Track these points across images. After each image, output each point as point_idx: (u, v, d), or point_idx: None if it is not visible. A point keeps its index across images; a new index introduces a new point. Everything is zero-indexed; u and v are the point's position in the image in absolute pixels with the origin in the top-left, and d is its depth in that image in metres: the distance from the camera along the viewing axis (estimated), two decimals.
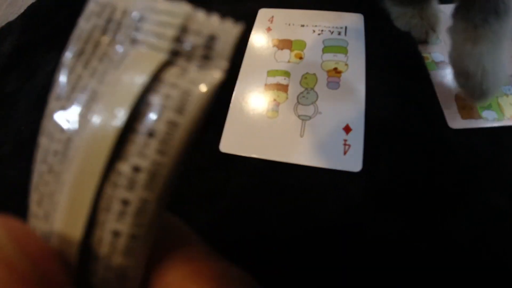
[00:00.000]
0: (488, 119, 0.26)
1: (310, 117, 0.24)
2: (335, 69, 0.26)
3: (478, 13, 0.23)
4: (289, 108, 0.25)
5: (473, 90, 0.24)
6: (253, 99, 0.26)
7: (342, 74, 0.26)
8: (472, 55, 0.23)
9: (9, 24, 0.52)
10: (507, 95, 0.28)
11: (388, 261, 0.21)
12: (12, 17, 0.59)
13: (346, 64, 0.26)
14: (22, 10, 0.57)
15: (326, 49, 0.28)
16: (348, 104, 0.24)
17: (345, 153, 0.22)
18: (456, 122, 0.26)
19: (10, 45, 0.48)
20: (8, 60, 0.46)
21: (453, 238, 0.22)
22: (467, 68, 0.23)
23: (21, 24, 0.50)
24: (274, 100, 0.25)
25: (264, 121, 0.25)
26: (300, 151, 0.23)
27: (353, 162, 0.22)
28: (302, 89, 0.25)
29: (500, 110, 0.27)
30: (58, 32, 0.46)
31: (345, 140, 0.23)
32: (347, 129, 0.23)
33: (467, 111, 0.26)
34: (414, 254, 0.21)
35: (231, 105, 0.26)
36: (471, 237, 0.22)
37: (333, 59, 0.27)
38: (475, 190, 0.24)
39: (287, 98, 0.25)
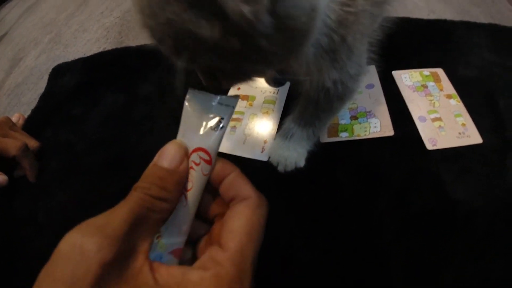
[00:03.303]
0: (342, 137, 0.50)
1: (250, 135, 0.50)
2: (267, 112, 0.52)
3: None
4: (240, 130, 0.51)
5: None
6: None
7: (270, 114, 0.51)
8: None
9: (67, 64, 0.68)
10: (360, 123, 0.52)
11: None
12: (58, 52, 0.75)
13: (273, 110, 0.52)
14: (68, 49, 0.75)
15: (265, 101, 0.53)
16: (268, 130, 0.50)
17: (262, 151, 0.48)
18: (324, 138, 0.49)
19: (72, 80, 0.63)
20: (72, 91, 0.62)
21: (323, 209, 0.43)
22: None
23: (82, 67, 0.66)
24: (234, 126, 0.51)
25: (228, 136, 0.51)
26: (243, 150, 0.49)
27: (265, 156, 0.47)
28: (248, 121, 0.51)
29: (351, 131, 0.50)
30: (113, 79, 0.62)
31: (263, 147, 0.48)
32: (265, 141, 0.49)
33: (331, 133, 0.50)
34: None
35: None
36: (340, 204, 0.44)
37: (267, 107, 0.53)
38: (334, 170, 0.47)
39: (240, 125, 0.51)
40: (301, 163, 0.45)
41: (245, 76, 0.26)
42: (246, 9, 0.17)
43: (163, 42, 0.21)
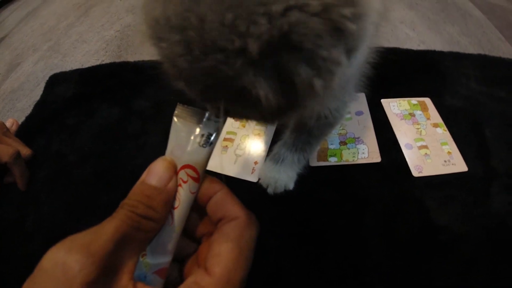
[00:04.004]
0: (331, 161, 0.51)
1: (241, 155, 0.51)
2: (259, 133, 0.53)
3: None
4: (232, 150, 0.52)
5: None
6: (217, 144, 0.53)
7: (262, 137, 0.53)
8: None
9: (65, 74, 0.68)
10: (348, 148, 0.53)
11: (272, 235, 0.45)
12: (55, 60, 0.75)
13: (264, 132, 0.53)
14: (66, 58, 0.75)
15: (257, 123, 0.55)
16: (258, 151, 0.51)
17: (252, 173, 0.48)
18: (314, 162, 0.51)
19: (68, 90, 0.63)
20: (67, 102, 0.62)
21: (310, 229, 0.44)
22: None
23: (79, 79, 0.66)
24: (226, 146, 0.52)
25: (220, 155, 0.51)
26: (233, 170, 0.49)
27: (255, 177, 0.48)
28: (240, 142, 0.52)
29: (340, 157, 0.52)
30: (109, 92, 0.62)
31: (253, 168, 0.49)
32: (255, 163, 0.50)
33: (321, 157, 0.51)
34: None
35: None
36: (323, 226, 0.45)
37: (259, 129, 0.54)
38: (322, 194, 0.48)
39: (232, 145, 0.52)
40: (291, 185, 0.46)
41: (268, 121, 0.25)
42: (318, 84, 0.16)
43: (190, 84, 0.19)
